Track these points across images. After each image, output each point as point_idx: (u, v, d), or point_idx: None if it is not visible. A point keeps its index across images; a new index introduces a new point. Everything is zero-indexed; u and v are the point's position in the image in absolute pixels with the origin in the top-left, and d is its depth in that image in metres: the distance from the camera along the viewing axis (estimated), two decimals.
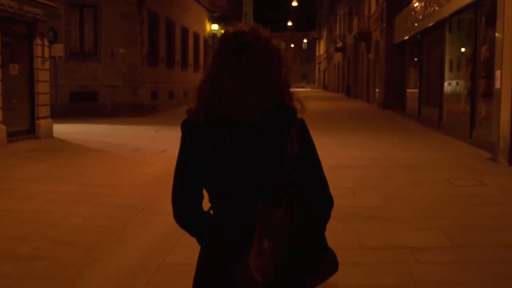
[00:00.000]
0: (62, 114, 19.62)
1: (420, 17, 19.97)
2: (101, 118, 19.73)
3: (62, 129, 16.01)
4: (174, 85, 26.20)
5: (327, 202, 2.05)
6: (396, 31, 25.36)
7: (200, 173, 1.96)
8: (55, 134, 14.33)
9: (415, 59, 23.31)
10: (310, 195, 2.00)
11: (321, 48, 78.43)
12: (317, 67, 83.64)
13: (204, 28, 34.51)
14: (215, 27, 36.24)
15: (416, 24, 20.86)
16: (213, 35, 36.71)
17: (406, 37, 23.20)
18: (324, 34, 70.14)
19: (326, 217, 2.04)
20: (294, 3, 50.95)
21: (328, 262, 2.04)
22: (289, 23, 73.79)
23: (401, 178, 8.81)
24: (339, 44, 49.17)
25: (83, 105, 20.45)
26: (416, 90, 22.26)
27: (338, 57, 53.19)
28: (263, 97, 1.92)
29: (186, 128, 1.99)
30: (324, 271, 2.03)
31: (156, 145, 12.95)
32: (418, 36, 20.98)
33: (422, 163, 10.28)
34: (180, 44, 27.66)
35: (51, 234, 5.80)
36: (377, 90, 30.16)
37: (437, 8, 17.31)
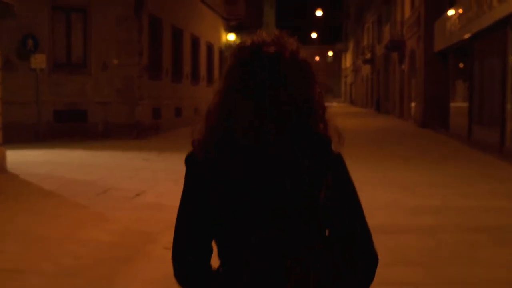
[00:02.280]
0: (45, 136, 16.65)
1: (470, 18, 16.55)
2: (90, 140, 16.62)
3: (29, 157, 12.98)
4: (182, 101, 23.06)
5: (371, 259, 1.62)
6: (437, 37, 21.96)
7: (208, 221, 1.60)
8: (14, 165, 11.20)
9: (461, 68, 19.90)
10: (350, 251, 1.60)
11: (347, 61, 74.96)
12: (343, 81, 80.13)
13: (219, 38, 31.42)
14: (231, 37, 33.13)
15: (463, 28, 17.45)
16: (230, 46, 33.61)
17: (450, 44, 19.77)
18: (351, 45, 66.75)
19: (369, 278, 1.62)
20: (319, 12, 47.70)
21: None
22: (314, 35, 70.52)
23: (493, 256, 5.41)
24: (368, 56, 45.74)
25: (69, 126, 17.34)
26: (463, 104, 18.80)
27: (366, 69, 49.73)
28: (290, 125, 1.53)
29: (191, 164, 1.63)
30: None
31: (134, 183, 9.75)
32: (467, 41, 17.53)
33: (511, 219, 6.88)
34: (189, 55, 24.54)
35: None
36: (412, 104, 26.72)
37: (496, 5, 13.89)
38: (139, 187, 9.34)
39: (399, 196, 8.41)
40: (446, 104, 21.24)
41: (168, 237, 6.68)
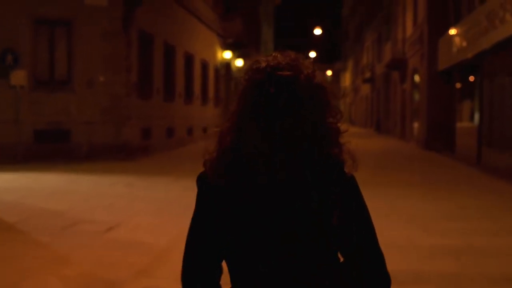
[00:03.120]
0: (25, 158, 15.53)
1: (478, 34, 15.57)
2: (73, 163, 15.48)
3: (0, 182, 11.84)
4: (174, 120, 21.99)
5: (384, 282, 1.61)
6: (441, 55, 20.95)
7: (218, 244, 1.59)
8: None
9: (468, 87, 18.89)
10: (363, 274, 1.59)
11: (346, 80, 74.16)
12: (342, 100, 79.23)
13: (215, 56, 30.43)
14: (228, 55, 32.18)
15: (471, 44, 16.46)
16: (226, 64, 32.65)
17: (456, 62, 18.76)
18: (350, 64, 65.96)
19: None
20: (318, 31, 46.80)
21: None
22: (312, 54, 69.49)
23: None
24: (367, 75, 44.82)
25: (51, 147, 16.23)
26: (470, 125, 17.76)
27: (366, 89, 48.83)
28: (301, 150, 1.51)
29: (202, 185, 1.62)
30: None
31: (109, 214, 8.62)
32: (475, 58, 16.53)
33: None
34: (183, 73, 23.51)
35: None
36: (415, 125, 25.68)
37: (509, 19, 12.89)
38: (114, 218, 8.21)
39: (410, 233, 7.29)
40: (452, 125, 20.19)
41: None
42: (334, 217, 1.52)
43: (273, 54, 1.57)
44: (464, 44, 17.26)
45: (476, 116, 18.57)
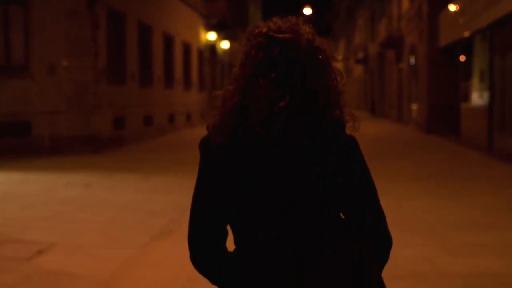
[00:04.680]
0: None
1: (486, 4, 13.79)
2: (33, 159, 13.64)
3: None
4: (152, 108, 20.14)
5: (385, 241, 1.67)
6: (442, 30, 19.17)
7: (223, 204, 1.62)
8: None
9: (471, 64, 17.17)
10: (364, 233, 1.63)
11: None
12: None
13: (198, 37, 28.50)
14: (212, 36, 30.25)
15: (475, 17, 14.70)
16: (211, 46, 30.75)
17: (460, 37, 16.99)
18: (342, 45, 64.07)
19: (384, 259, 1.70)
20: (308, 10, 44.85)
21: None
22: None
23: None
24: (360, 55, 42.96)
25: (9, 141, 14.39)
26: (477, 105, 16.08)
27: (358, 70, 47.00)
28: (305, 113, 1.54)
29: (206, 149, 1.64)
30: None
31: (46, 229, 6.83)
32: (482, 32, 14.78)
33: None
34: (162, 56, 21.60)
35: None
36: (413, 107, 23.95)
37: None
38: (50, 236, 6.45)
39: (429, 251, 5.55)
40: (456, 106, 18.44)
41: None
42: (338, 180, 1.55)
43: (273, 19, 1.60)
44: (470, 16, 15.47)
45: (474, 96, 17.01)
